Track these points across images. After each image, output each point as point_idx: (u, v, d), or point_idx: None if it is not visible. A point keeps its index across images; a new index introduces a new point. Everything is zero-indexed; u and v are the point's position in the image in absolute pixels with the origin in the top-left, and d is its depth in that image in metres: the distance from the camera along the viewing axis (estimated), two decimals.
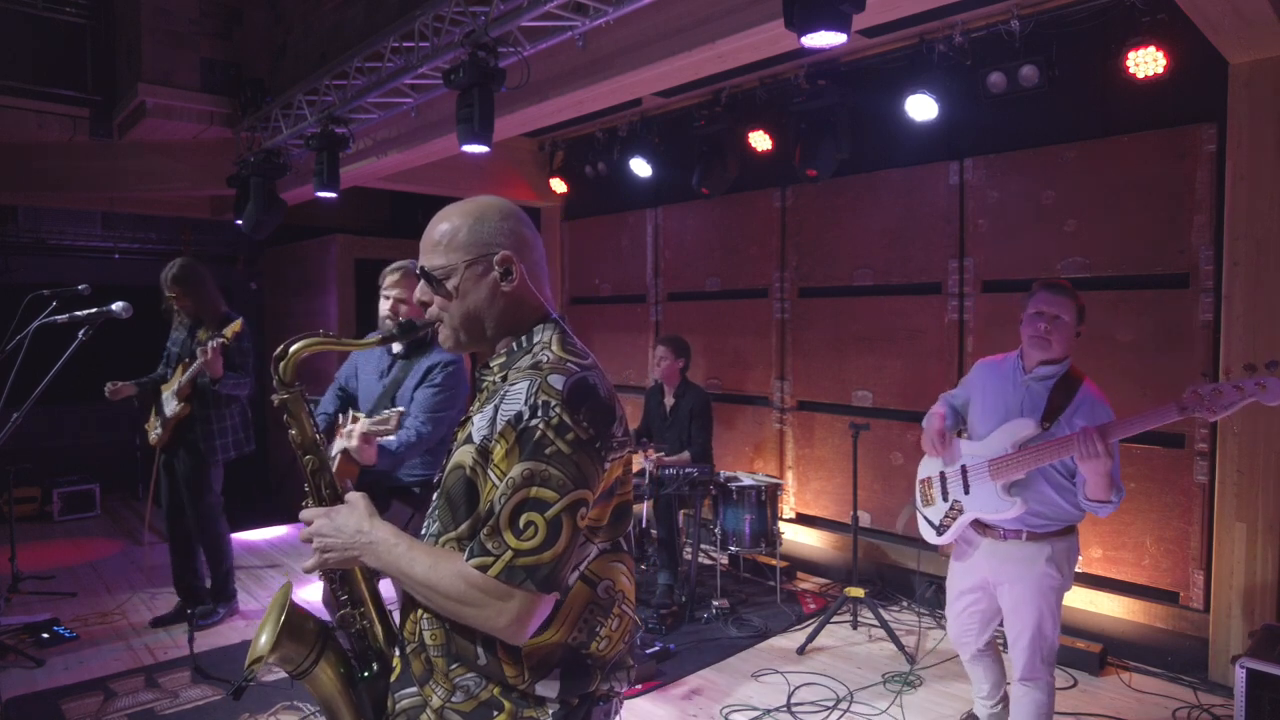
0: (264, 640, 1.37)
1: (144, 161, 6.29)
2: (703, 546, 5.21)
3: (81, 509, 7.10)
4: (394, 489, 2.98)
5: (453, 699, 1.32)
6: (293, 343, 1.46)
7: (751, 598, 4.92)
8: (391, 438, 2.65)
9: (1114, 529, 4.10)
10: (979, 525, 2.76)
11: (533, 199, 7.34)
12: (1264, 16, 3.07)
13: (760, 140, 5.38)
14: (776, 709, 3.55)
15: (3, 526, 5.53)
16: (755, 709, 3.55)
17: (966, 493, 2.75)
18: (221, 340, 4.02)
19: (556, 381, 1.27)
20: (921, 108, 4.35)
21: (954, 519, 2.79)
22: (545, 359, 1.34)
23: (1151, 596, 3.99)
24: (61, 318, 2.52)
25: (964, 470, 2.76)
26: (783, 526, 5.25)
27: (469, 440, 1.32)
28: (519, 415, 1.25)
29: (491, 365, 1.42)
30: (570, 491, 1.23)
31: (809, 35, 2.64)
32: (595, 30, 3.37)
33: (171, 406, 4.24)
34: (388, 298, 2.99)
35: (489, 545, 1.23)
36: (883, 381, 5.09)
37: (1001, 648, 3.23)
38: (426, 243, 1.41)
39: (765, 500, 4.84)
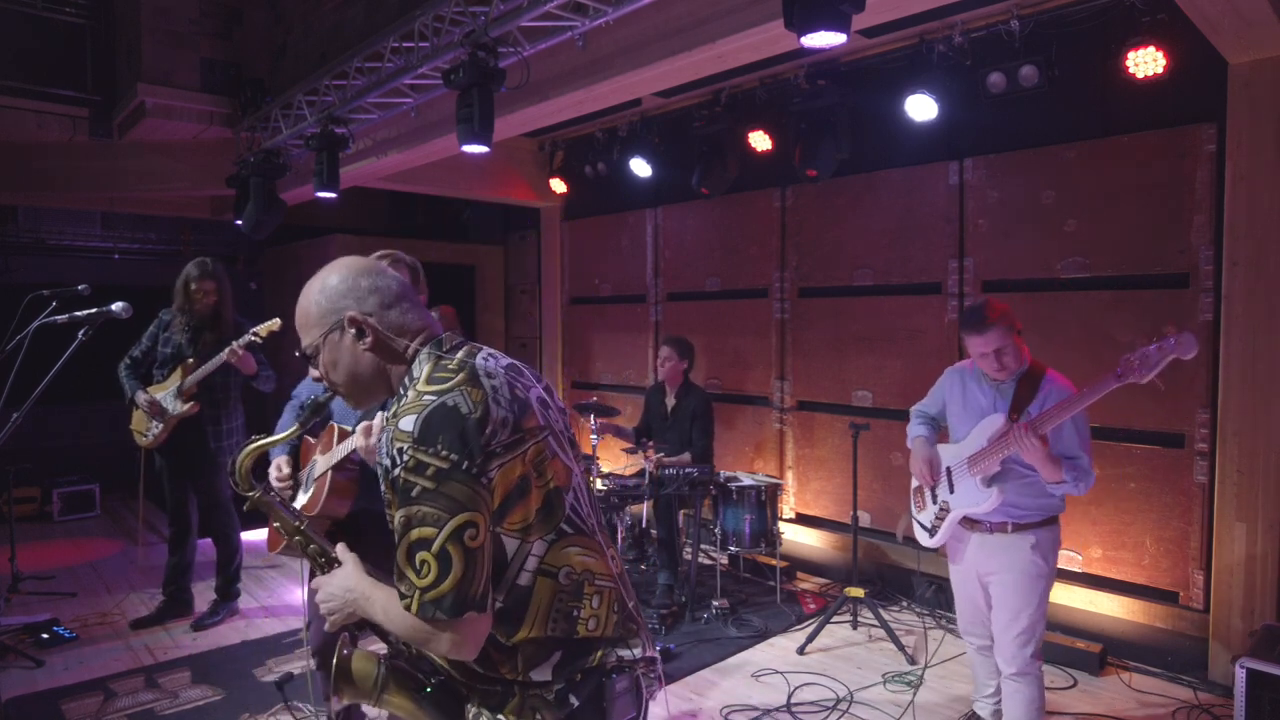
0: (332, 695, 1.52)
1: (144, 161, 6.30)
2: (703, 546, 5.21)
3: (81, 509, 7.10)
4: (375, 515, 2.74)
5: (482, 703, 1.44)
6: (236, 456, 1.61)
7: (751, 598, 4.92)
8: None
9: (1114, 529, 4.10)
10: (967, 521, 2.88)
11: (533, 199, 7.34)
12: (1264, 16, 3.07)
13: (760, 140, 5.38)
14: (776, 709, 3.55)
15: (3, 526, 5.53)
16: (755, 709, 3.55)
17: (952, 492, 2.89)
18: (254, 337, 4.06)
19: (406, 424, 1.30)
20: (921, 108, 4.35)
21: (943, 519, 2.92)
22: (403, 403, 1.37)
23: (1151, 596, 3.99)
24: (61, 318, 2.51)
25: (949, 472, 2.91)
26: (783, 526, 5.25)
27: None
28: (385, 469, 1.33)
29: (388, 419, 1.44)
30: (446, 522, 1.27)
31: (809, 35, 2.64)
32: (595, 30, 3.37)
33: (176, 406, 4.25)
34: None
35: (402, 588, 1.32)
36: (883, 381, 5.09)
37: None
38: (297, 326, 1.50)
39: (765, 500, 4.84)
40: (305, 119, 4.97)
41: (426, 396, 1.34)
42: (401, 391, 1.43)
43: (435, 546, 1.27)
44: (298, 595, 5.09)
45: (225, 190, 6.08)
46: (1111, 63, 3.88)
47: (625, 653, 1.44)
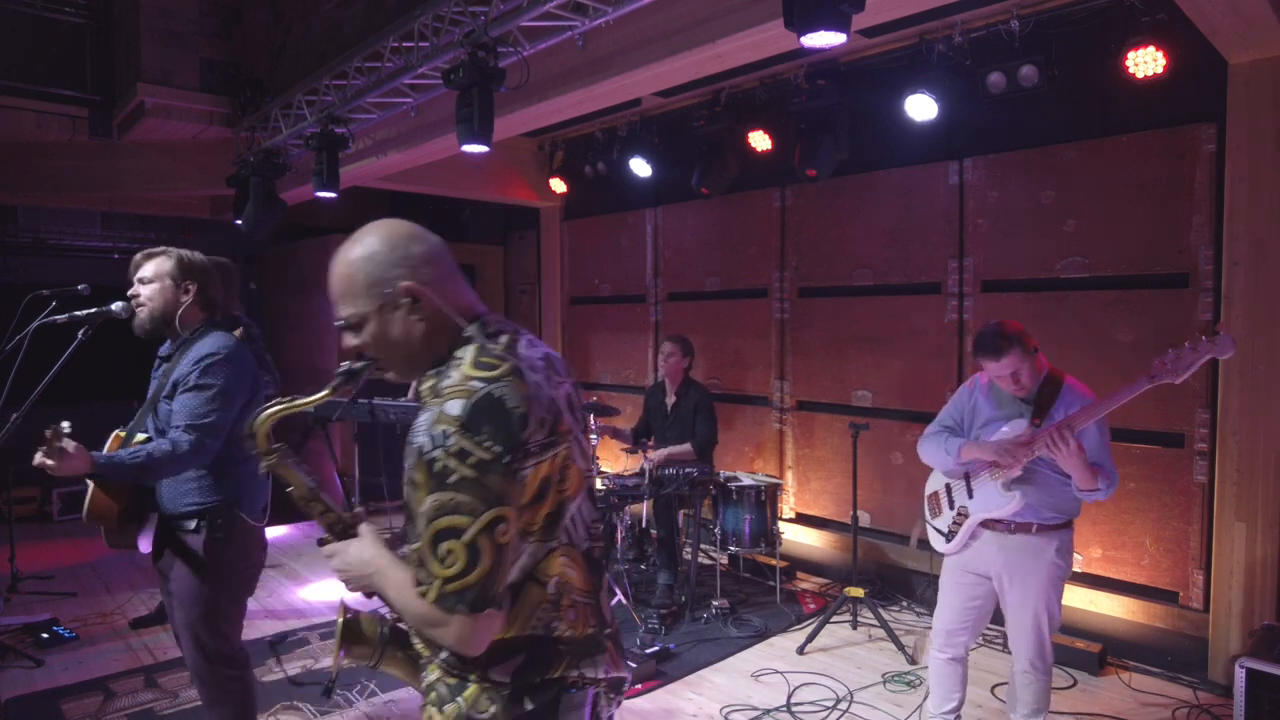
0: (338, 652, 1.52)
1: (144, 161, 6.30)
2: (703, 546, 5.21)
3: (81, 509, 7.08)
4: (165, 519, 2.63)
5: (444, 676, 1.41)
6: (254, 417, 1.52)
7: (751, 598, 4.92)
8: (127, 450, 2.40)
9: (1113, 529, 4.10)
10: (988, 522, 2.84)
11: (533, 199, 7.34)
12: (1264, 16, 3.07)
13: (760, 140, 5.38)
14: (776, 709, 3.55)
15: (2, 526, 5.52)
16: (755, 709, 3.55)
17: (971, 497, 2.87)
18: None
19: (453, 408, 1.27)
20: (921, 108, 4.35)
21: (960, 523, 2.90)
22: (448, 383, 1.33)
23: (1151, 596, 3.99)
24: (61, 318, 2.51)
25: (967, 476, 2.89)
26: (782, 526, 5.25)
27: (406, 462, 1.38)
28: (421, 448, 1.28)
29: (422, 391, 1.41)
30: (482, 513, 1.25)
31: (809, 35, 2.64)
32: (595, 30, 3.37)
33: None
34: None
35: (421, 575, 1.29)
36: (882, 381, 5.09)
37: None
38: (332, 294, 1.43)
39: (765, 500, 4.84)
40: (305, 119, 4.96)
41: (474, 382, 1.30)
42: (445, 369, 1.38)
43: (467, 537, 1.24)
44: (297, 595, 5.09)
45: (225, 190, 6.07)
46: (1111, 62, 3.88)
47: (589, 671, 1.41)
